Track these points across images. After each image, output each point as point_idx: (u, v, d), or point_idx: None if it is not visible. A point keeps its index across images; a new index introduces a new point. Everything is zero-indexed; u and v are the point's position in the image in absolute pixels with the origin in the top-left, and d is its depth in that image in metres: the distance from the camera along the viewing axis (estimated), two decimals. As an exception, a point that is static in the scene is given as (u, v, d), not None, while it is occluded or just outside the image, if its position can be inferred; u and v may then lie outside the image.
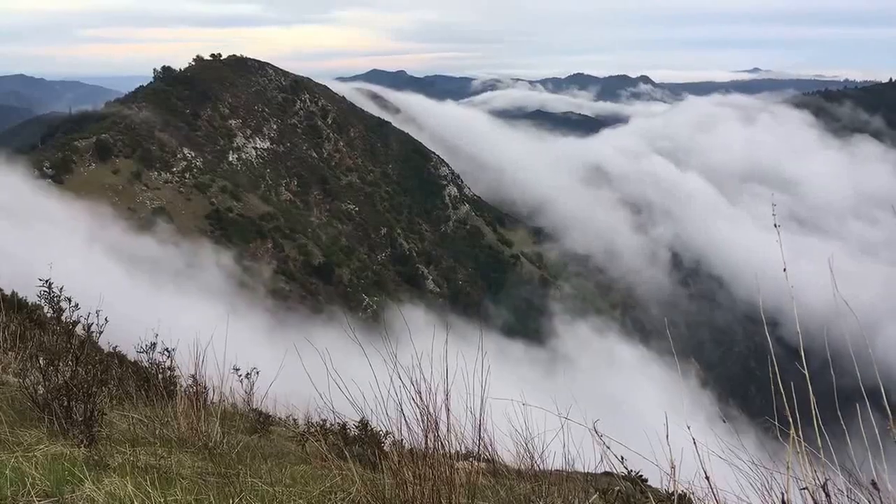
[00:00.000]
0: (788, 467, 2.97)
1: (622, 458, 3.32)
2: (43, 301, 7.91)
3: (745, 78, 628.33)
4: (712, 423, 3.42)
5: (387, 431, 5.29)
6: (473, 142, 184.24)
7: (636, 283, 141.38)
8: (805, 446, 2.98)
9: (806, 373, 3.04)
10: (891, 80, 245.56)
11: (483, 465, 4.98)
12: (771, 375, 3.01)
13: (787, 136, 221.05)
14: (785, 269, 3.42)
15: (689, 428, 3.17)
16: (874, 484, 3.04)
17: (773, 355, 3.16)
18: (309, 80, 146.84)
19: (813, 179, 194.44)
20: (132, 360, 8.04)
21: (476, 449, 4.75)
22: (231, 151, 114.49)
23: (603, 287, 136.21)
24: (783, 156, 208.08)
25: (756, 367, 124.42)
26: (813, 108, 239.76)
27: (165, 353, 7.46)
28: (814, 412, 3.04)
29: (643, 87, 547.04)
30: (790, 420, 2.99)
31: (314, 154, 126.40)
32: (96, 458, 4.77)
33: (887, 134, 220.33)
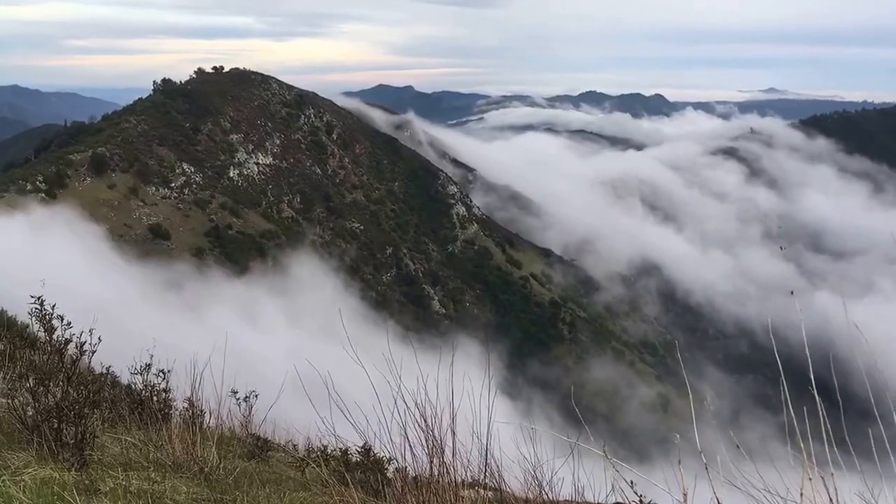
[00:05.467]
0: (802, 494, 2.97)
1: (632, 482, 3.31)
2: (34, 319, 7.92)
3: (759, 98, 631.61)
4: (726, 448, 3.42)
5: (390, 457, 5.28)
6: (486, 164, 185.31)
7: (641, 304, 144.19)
8: (819, 472, 2.98)
9: (817, 397, 3.04)
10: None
11: (490, 493, 4.96)
12: (783, 399, 3.02)
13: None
14: (793, 292, 3.43)
15: (701, 453, 3.17)
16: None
17: (783, 379, 3.16)
18: (314, 94, 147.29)
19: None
20: (126, 382, 8.04)
21: (482, 476, 4.73)
22: (232, 167, 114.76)
23: (611, 308, 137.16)
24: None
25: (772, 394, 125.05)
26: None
27: (161, 374, 7.46)
28: (826, 437, 3.04)
29: (657, 105, 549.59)
30: (802, 446, 2.99)
31: (318, 170, 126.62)
32: (87, 482, 4.76)
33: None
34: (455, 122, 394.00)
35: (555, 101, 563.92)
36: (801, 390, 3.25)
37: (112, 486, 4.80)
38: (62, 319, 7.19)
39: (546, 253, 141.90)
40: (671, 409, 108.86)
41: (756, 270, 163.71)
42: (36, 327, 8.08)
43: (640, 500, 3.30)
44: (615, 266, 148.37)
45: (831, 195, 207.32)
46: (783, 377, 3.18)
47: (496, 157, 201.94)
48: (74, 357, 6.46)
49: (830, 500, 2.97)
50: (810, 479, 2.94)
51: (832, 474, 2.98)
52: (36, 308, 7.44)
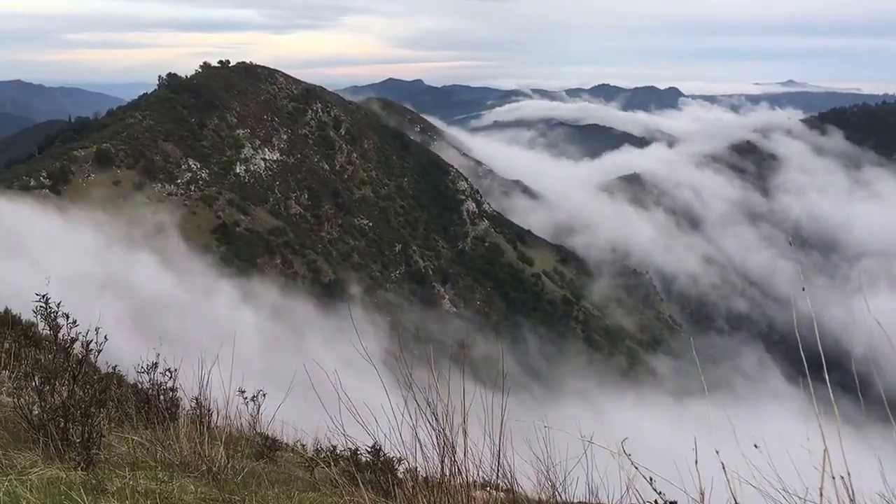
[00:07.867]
0: (821, 493, 2.96)
1: (651, 479, 3.31)
2: (39, 317, 7.95)
3: (777, 91, 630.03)
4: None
5: (400, 458, 5.27)
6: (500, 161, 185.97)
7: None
8: (839, 471, 2.97)
9: (831, 396, 3.03)
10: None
11: (502, 494, 4.96)
12: (807, 396, 3.01)
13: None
14: (804, 289, 3.44)
15: (717, 453, 3.16)
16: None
17: (807, 375, 3.16)
18: (321, 88, 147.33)
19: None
20: (132, 381, 8.07)
21: (494, 477, 4.72)
22: (238, 163, 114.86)
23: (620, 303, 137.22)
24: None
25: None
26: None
27: (167, 373, 7.47)
28: (840, 437, 3.03)
29: (670, 98, 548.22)
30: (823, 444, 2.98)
31: (326, 166, 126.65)
32: (94, 482, 4.78)
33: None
34: (465, 116, 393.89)
35: (567, 94, 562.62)
36: (814, 387, 3.25)
37: (119, 485, 4.82)
38: (67, 317, 7.22)
39: (559, 249, 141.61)
40: (684, 407, 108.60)
41: (756, 268, 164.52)
42: (41, 326, 8.12)
43: (659, 494, 3.30)
44: (616, 263, 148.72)
45: (837, 191, 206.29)
46: (808, 373, 3.18)
47: (488, 149, 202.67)
48: (80, 356, 6.48)
49: (851, 499, 2.96)
50: (833, 477, 2.94)
51: (849, 473, 2.98)
52: (41, 306, 7.47)
